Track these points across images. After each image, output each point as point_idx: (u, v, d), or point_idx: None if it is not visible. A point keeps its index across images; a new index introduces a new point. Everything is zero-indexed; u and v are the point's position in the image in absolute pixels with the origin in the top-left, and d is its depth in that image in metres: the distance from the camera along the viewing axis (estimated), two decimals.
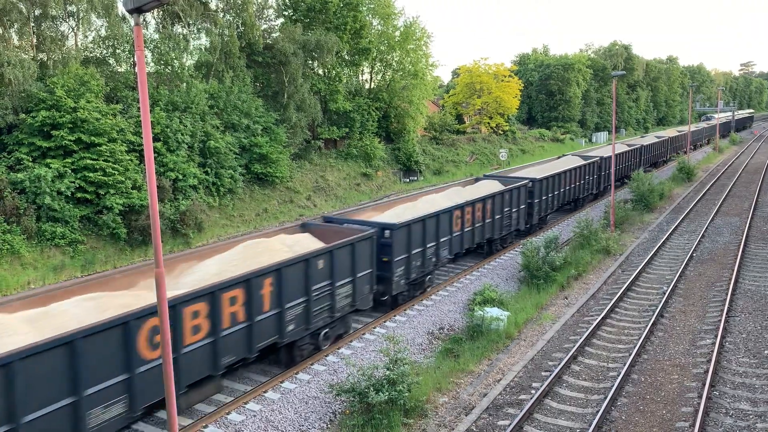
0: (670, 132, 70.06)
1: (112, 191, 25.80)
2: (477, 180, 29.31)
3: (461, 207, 21.88)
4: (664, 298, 19.63)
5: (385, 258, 17.84)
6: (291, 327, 14.20)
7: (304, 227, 18.46)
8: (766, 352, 15.73)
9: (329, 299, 15.37)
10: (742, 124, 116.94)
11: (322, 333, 15.57)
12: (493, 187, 26.53)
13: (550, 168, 33.54)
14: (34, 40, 27.87)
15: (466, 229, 22.26)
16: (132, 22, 28.09)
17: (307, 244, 16.44)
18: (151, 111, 28.58)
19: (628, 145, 47.30)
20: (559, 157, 40.43)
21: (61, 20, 28.82)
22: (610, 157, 38.07)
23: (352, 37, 43.85)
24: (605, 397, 13.32)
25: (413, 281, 19.38)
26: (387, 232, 17.90)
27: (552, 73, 79.72)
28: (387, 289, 18.18)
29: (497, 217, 24.61)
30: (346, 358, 15.12)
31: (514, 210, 26.07)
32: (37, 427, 9.35)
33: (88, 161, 25.28)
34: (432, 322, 18.47)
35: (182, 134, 29.82)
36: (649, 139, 57.72)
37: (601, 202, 37.98)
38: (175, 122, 29.52)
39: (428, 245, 19.70)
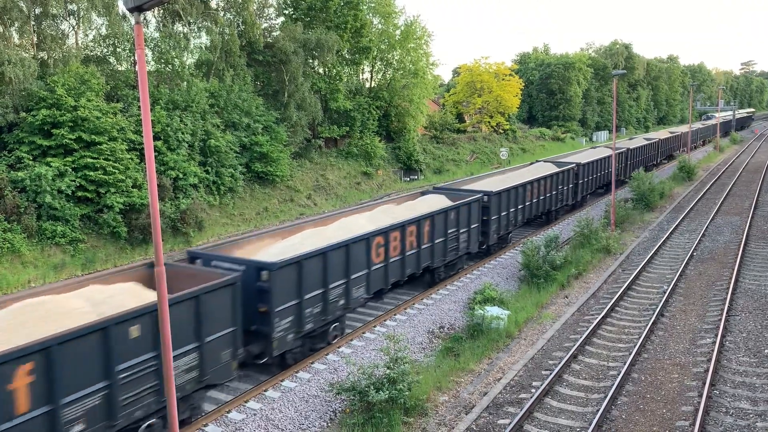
0: (661, 133, 64.49)
1: (112, 190, 25.81)
2: (424, 193, 24.89)
3: (385, 232, 17.65)
4: (665, 297, 19.64)
5: (263, 308, 13.78)
6: (77, 429, 9.96)
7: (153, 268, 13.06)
8: (766, 351, 15.73)
9: (153, 379, 11.06)
10: (742, 124, 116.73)
11: (143, 426, 11.27)
12: (437, 203, 22.29)
13: (515, 178, 29.35)
14: (35, 39, 27.86)
15: (392, 259, 18.06)
16: (132, 21, 28.01)
17: (123, 300, 11.53)
18: (151, 110, 28.55)
19: (611, 150, 42.40)
20: (530, 164, 36.67)
21: (61, 19, 28.81)
22: (588, 163, 35.48)
23: (352, 36, 43.82)
24: (605, 396, 13.33)
25: (310, 333, 15.25)
26: (264, 274, 13.67)
27: (553, 72, 79.67)
28: (266, 349, 13.98)
29: (439, 240, 20.50)
30: (346, 357, 15.11)
31: (462, 230, 22.02)
32: None
33: (89, 160, 25.28)
34: (432, 321, 18.48)
35: (183, 133, 29.82)
36: (638, 141, 52.66)
37: (601, 201, 37.94)
38: (175, 121, 29.52)
39: (332, 285, 15.54)
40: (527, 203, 27.69)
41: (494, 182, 28.10)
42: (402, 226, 18.51)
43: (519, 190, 26.65)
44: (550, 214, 31.73)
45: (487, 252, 25.27)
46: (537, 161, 37.45)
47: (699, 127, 78.20)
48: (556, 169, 31.85)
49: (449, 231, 21.21)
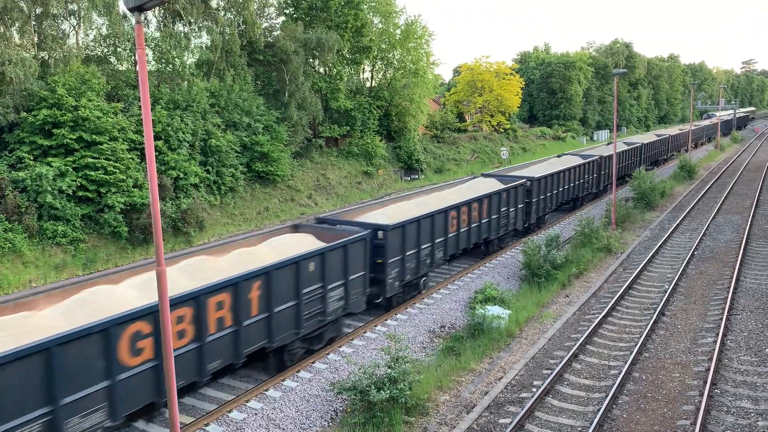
0: (647, 136, 57.79)
1: (113, 190, 25.83)
2: (297, 227, 18.43)
3: (138, 317, 10.85)
4: (666, 297, 19.62)
5: None
6: None
7: None
8: (767, 350, 15.72)
9: None
10: (739, 124, 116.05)
11: None
12: (292, 247, 15.76)
13: (435, 201, 22.78)
14: (36, 39, 27.88)
15: (146, 365, 11.09)
16: (133, 21, 28.07)
17: None
18: (152, 109, 28.59)
19: (583, 157, 37.25)
20: (471, 178, 30.35)
21: (62, 18, 28.84)
22: (546, 176, 29.45)
23: (353, 36, 43.83)
24: (607, 395, 13.32)
25: None
26: None
27: (553, 71, 79.67)
28: None
29: (283, 307, 13.97)
30: (347, 357, 15.13)
31: (334, 284, 15.57)
32: None
33: (90, 160, 25.30)
34: (433, 320, 18.48)
35: (183, 133, 29.84)
36: (619, 146, 44.95)
37: (602, 201, 37.91)
38: (176, 121, 29.54)
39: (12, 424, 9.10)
40: (451, 235, 21.56)
41: (399, 210, 20.71)
42: (196, 299, 11.96)
43: (436, 219, 20.40)
44: (490, 243, 25.33)
45: (388, 306, 18.80)
46: (481, 174, 30.53)
47: (691, 129, 69.43)
48: (500, 186, 25.74)
49: (307, 290, 14.65)
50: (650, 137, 56.32)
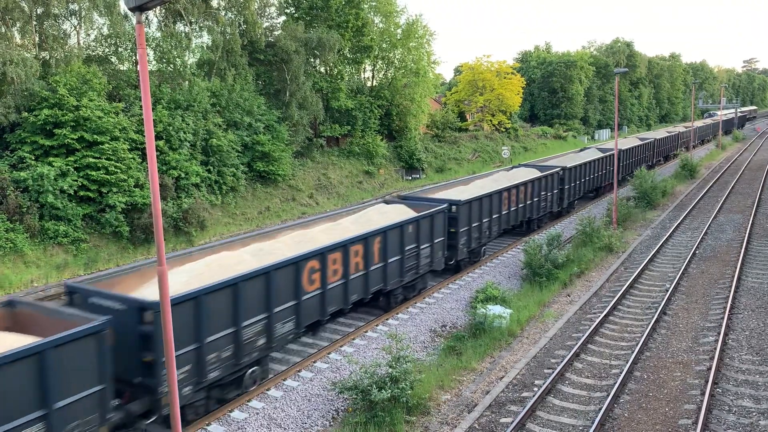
0: (629, 140, 50.93)
1: (114, 189, 25.85)
2: (12, 305, 11.10)
3: None
4: (667, 296, 19.61)
5: None
6: None
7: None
8: None
9: None
10: (740, 122, 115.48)
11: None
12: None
13: (290, 246, 15.82)
14: (37, 39, 27.90)
15: None
16: (134, 21, 28.03)
17: None
18: (153, 109, 28.60)
19: (540, 169, 30.78)
20: (378, 199, 22.73)
21: (63, 19, 28.86)
22: (477, 198, 22.77)
23: (354, 35, 43.84)
24: (608, 395, 13.32)
25: None
26: None
27: (554, 71, 79.63)
28: None
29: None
30: (348, 356, 15.13)
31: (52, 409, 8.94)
32: None
33: (91, 159, 25.31)
34: (434, 319, 18.48)
35: (184, 132, 29.84)
36: (589, 153, 40.35)
37: (603, 200, 37.83)
38: (177, 120, 29.55)
39: None
40: (307, 296, 14.70)
41: (216, 267, 13.46)
42: None
43: (276, 277, 13.66)
44: (390, 295, 18.57)
45: (246, 384, 13.45)
46: (397, 196, 24.53)
47: (681, 131, 63.13)
48: (408, 215, 19.42)
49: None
50: (632, 141, 49.47)
